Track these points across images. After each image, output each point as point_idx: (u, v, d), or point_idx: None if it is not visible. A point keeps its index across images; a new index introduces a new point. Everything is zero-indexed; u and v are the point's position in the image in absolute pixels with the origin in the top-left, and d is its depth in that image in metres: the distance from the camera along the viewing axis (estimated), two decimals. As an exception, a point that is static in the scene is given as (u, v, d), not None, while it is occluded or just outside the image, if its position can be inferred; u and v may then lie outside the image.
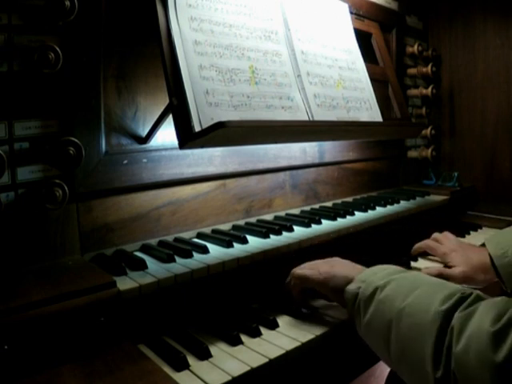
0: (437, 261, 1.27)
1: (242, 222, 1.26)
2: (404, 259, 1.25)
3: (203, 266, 0.93)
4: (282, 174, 1.40)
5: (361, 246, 1.29)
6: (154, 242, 1.07)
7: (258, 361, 0.76)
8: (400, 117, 1.65)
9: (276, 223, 1.24)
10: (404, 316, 0.72)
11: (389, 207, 1.52)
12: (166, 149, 1.10)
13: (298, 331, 0.87)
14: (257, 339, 0.84)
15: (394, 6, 1.85)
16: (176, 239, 1.11)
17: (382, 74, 1.67)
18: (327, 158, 1.55)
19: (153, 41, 1.02)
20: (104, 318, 0.77)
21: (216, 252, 1.02)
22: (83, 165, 0.92)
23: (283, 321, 0.91)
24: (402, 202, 1.61)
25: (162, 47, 0.98)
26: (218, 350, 0.80)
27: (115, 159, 1.01)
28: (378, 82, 1.64)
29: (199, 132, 0.95)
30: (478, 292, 0.70)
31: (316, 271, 0.93)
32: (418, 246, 1.33)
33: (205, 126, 0.95)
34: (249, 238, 1.10)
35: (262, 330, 0.87)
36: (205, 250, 1.01)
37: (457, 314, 0.66)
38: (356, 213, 1.40)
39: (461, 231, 1.53)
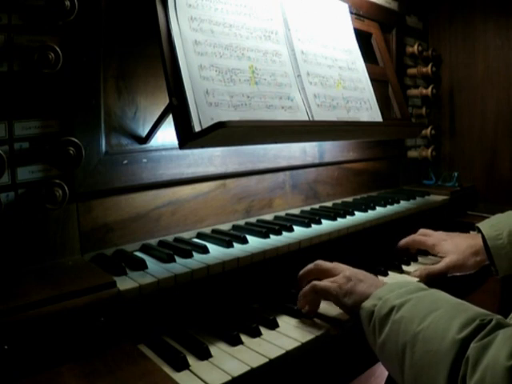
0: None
1: (242, 222, 1.26)
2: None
3: (203, 266, 0.93)
4: (281, 174, 1.40)
5: (361, 246, 1.29)
6: (153, 242, 1.07)
7: (258, 361, 0.76)
8: (400, 117, 1.65)
9: (276, 223, 1.24)
10: (419, 341, 0.69)
11: (389, 207, 1.52)
12: (165, 149, 1.10)
13: (298, 331, 0.87)
14: (257, 339, 0.84)
15: (393, 5, 1.85)
16: (176, 239, 1.11)
17: (382, 74, 1.67)
18: (327, 158, 1.55)
19: (153, 41, 1.02)
20: (104, 317, 0.77)
21: (216, 252, 1.02)
22: (83, 165, 0.92)
23: (283, 321, 0.91)
24: (402, 202, 1.61)
25: (161, 47, 0.98)
26: (218, 350, 0.80)
27: (115, 159, 1.01)
28: (378, 81, 1.64)
29: (199, 132, 0.95)
30: (499, 318, 0.67)
31: (337, 285, 0.91)
32: (404, 241, 1.32)
33: (205, 125, 0.95)
34: (249, 237, 1.10)
35: (262, 330, 0.87)
36: (205, 250, 1.01)
37: (473, 344, 0.63)
38: (356, 213, 1.40)
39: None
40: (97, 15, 0.97)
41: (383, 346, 0.77)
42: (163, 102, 1.07)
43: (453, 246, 1.24)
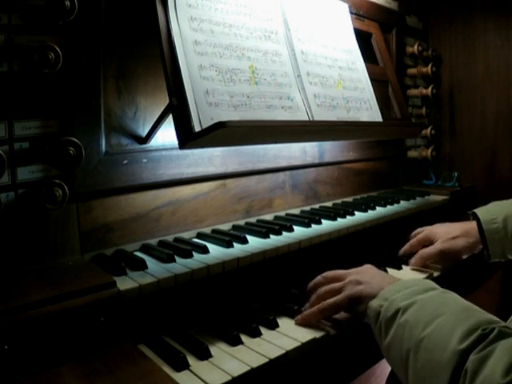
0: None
1: (242, 222, 1.26)
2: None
3: (203, 266, 0.93)
4: (281, 174, 1.40)
5: (361, 246, 1.29)
6: (153, 242, 1.07)
7: (258, 361, 0.76)
8: (400, 117, 1.65)
9: (276, 223, 1.24)
10: (422, 349, 0.69)
11: (389, 207, 1.52)
12: (165, 149, 1.10)
13: (298, 331, 0.87)
14: (257, 339, 0.84)
15: (393, 5, 1.85)
16: (176, 239, 1.11)
17: (382, 74, 1.67)
18: (327, 158, 1.55)
19: (153, 41, 1.02)
20: (104, 317, 0.77)
21: (216, 252, 1.02)
22: (83, 165, 0.92)
23: (283, 321, 0.91)
24: (402, 201, 1.61)
25: (161, 47, 0.98)
26: (218, 350, 0.80)
27: (115, 159, 1.01)
28: (378, 81, 1.64)
29: (199, 132, 0.95)
30: (502, 326, 0.66)
31: (344, 296, 0.90)
32: (403, 250, 1.31)
33: (205, 125, 0.95)
34: (249, 238, 1.10)
35: (262, 330, 0.86)
36: (205, 250, 1.01)
37: (472, 356, 0.62)
38: (356, 213, 1.40)
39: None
40: (97, 15, 0.97)
41: (389, 349, 0.77)
42: (163, 101, 1.07)
43: (445, 231, 1.26)
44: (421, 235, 1.31)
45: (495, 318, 0.70)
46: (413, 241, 1.31)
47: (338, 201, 1.58)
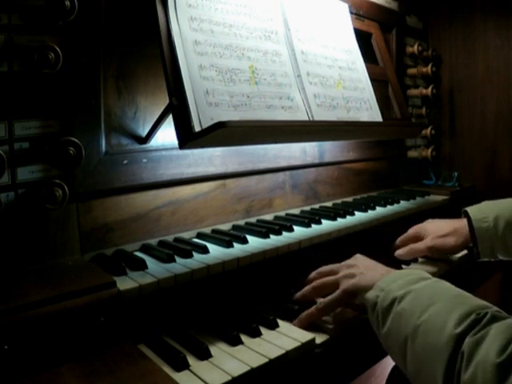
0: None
1: (242, 222, 1.26)
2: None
3: (203, 266, 0.93)
4: (281, 174, 1.40)
5: (361, 246, 1.29)
6: (153, 242, 1.07)
7: (258, 361, 0.76)
8: (400, 117, 1.65)
9: (276, 223, 1.24)
10: (419, 334, 0.71)
11: (389, 207, 1.52)
12: (165, 149, 1.10)
13: (298, 331, 0.87)
14: (257, 339, 0.84)
15: (393, 5, 1.85)
16: (176, 239, 1.11)
17: (382, 74, 1.67)
18: (327, 158, 1.55)
19: (153, 41, 1.02)
20: (104, 317, 0.77)
21: (216, 252, 1.02)
22: (83, 165, 0.92)
23: (283, 321, 0.91)
24: (402, 201, 1.61)
25: (161, 47, 0.98)
26: (218, 350, 0.80)
27: (115, 159, 1.01)
28: (378, 81, 1.64)
29: (199, 132, 0.95)
30: (494, 311, 0.69)
31: (340, 292, 0.91)
32: (395, 246, 1.32)
33: (205, 126, 0.95)
34: (249, 238, 1.10)
35: (262, 329, 0.86)
36: (205, 250, 1.01)
37: (467, 339, 0.64)
38: (356, 213, 1.40)
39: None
40: (97, 15, 0.97)
41: (386, 338, 0.79)
42: (163, 101, 1.07)
43: (435, 229, 1.26)
44: (411, 231, 1.32)
45: (488, 304, 0.72)
46: (402, 237, 1.32)
47: (338, 201, 1.58)
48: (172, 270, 0.90)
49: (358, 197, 1.66)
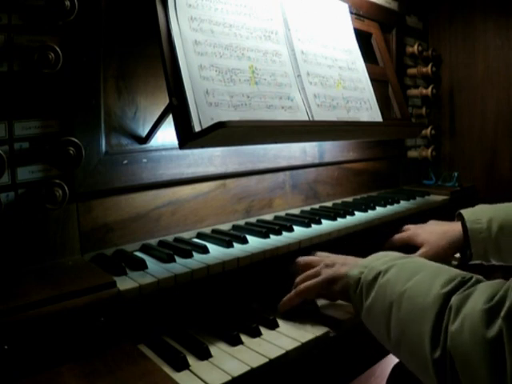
0: None
1: (242, 222, 1.26)
2: None
3: (203, 266, 0.93)
4: (281, 174, 1.40)
5: (361, 246, 1.29)
6: (153, 242, 1.07)
7: (258, 361, 0.76)
8: (400, 117, 1.65)
9: (276, 223, 1.24)
10: (405, 299, 0.73)
11: (389, 207, 1.52)
12: (166, 149, 1.10)
13: (298, 331, 0.87)
14: (257, 339, 0.84)
15: (393, 5, 1.85)
16: (176, 239, 1.11)
17: (382, 74, 1.67)
18: (327, 158, 1.55)
19: (153, 41, 1.02)
20: (104, 317, 0.77)
21: (216, 252, 1.02)
22: (83, 165, 0.92)
23: (283, 321, 0.91)
24: (402, 201, 1.61)
25: (161, 47, 0.98)
26: (218, 350, 0.80)
27: (115, 159, 1.01)
28: (378, 81, 1.64)
29: (199, 132, 0.95)
30: (479, 276, 0.71)
31: (321, 279, 0.93)
32: (387, 243, 1.32)
33: (205, 125, 0.95)
34: (249, 237, 1.10)
35: (262, 330, 0.87)
36: (205, 250, 1.01)
37: (455, 296, 0.67)
38: (356, 213, 1.40)
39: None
40: (97, 15, 0.97)
41: (370, 310, 0.80)
42: (163, 101, 1.07)
43: (427, 234, 1.27)
44: (404, 235, 1.31)
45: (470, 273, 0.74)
46: (392, 239, 1.32)
47: (338, 201, 1.58)
48: (172, 270, 0.90)
49: (358, 197, 1.66)
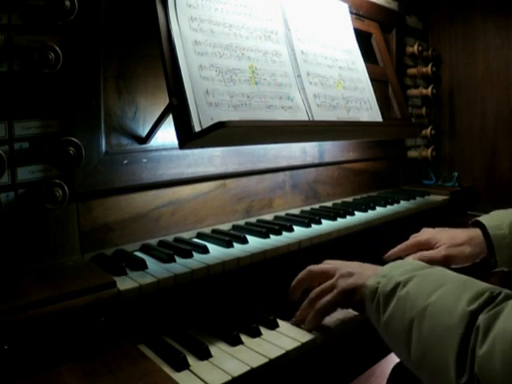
0: None
1: (242, 222, 1.26)
2: None
3: (203, 266, 0.93)
4: (281, 174, 1.40)
5: (361, 246, 1.29)
6: (153, 242, 1.07)
7: (258, 361, 0.76)
8: (400, 117, 1.65)
9: (276, 223, 1.24)
10: (427, 316, 0.67)
11: (389, 207, 1.52)
12: (165, 149, 1.10)
13: (298, 331, 0.87)
14: (257, 339, 0.84)
15: (393, 5, 1.85)
16: (176, 239, 1.11)
17: (382, 74, 1.67)
18: (327, 158, 1.55)
19: (153, 41, 1.02)
20: (104, 317, 0.77)
21: (216, 252, 1.02)
22: (83, 165, 0.92)
23: (283, 321, 0.91)
24: (402, 202, 1.61)
25: (161, 47, 0.98)
26: (218, 350, 0.80)
27: (115, 159, 1.01)
28: (378, 81, 1.64)
29: (199, 132, 0.95)
30: (508, 291, 0.65)
31: (337, 291, 0.86)
32: (391, 253, 1.24)
33: (205, 125, 0.95)
34: (249, 237, 1.10)
35: (262, 330, 0.86)
36: (205, 250, 1.01)
37: (482, 315, 0.61)
38: (356, 213, 1.40)
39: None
40: (97, 15, 0.97)
41: (388, 324, 0.74)
42: (163, 101, 1.07)
43: (449, 237, 1.20)
44: (422, 238, 1.23)
45: (498, 287, 0.68)
46: (406, 243, 1.24)
47: (338, 201, 1.58)
48: (172, 270, 0.90)
49: (358, 197, 1.66)
